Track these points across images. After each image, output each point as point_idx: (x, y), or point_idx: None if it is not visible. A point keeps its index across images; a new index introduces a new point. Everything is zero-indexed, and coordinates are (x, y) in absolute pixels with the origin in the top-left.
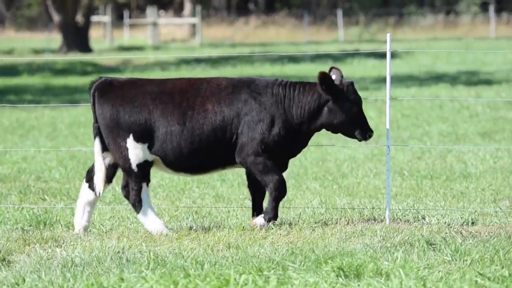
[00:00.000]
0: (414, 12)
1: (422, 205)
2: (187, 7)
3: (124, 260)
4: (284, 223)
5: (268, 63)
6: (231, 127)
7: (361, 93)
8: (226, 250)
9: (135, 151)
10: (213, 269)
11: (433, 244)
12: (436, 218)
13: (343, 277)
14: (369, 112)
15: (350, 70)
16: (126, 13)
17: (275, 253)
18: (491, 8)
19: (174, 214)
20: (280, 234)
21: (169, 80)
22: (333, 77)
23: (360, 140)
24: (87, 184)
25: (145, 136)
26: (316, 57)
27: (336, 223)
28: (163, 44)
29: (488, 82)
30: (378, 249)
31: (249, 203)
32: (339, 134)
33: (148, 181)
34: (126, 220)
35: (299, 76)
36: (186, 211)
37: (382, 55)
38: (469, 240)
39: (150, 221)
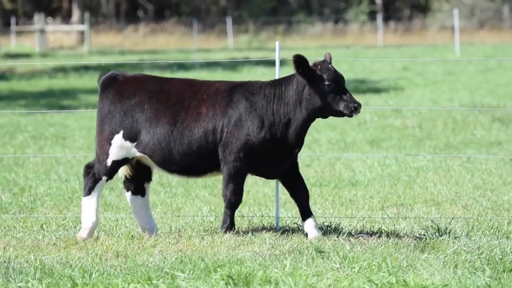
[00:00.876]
0: (303, 20)
1: None
2: (75, 14)
3: (10, 270)
4: (173, 231)
5: (157, 71)
6: (222, 129)
7: None
8: (115, 259)
9: (118, 149)
10: (101, 278)
11: (322, 252)
12: (325, 225)
13: (232, 285)
14: None
15: (240, 78)
16: (13, 20)
17: (164, 262)
18: (379, 17)
19: (62, 223)
20: (169, 242)
21: (173, 80)
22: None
23: (349, 116)
24: (128, 192)
25: (135, 134)
26: (206, 65)
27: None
28: (50, 51)
29: (376, 90)
30: (267, 257)
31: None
32: None
33: (110, 177)
34: (13, 229)
35: None
36: (74, 220)
37: (271, 63)
38: (357, 247)
39: (87, 213)
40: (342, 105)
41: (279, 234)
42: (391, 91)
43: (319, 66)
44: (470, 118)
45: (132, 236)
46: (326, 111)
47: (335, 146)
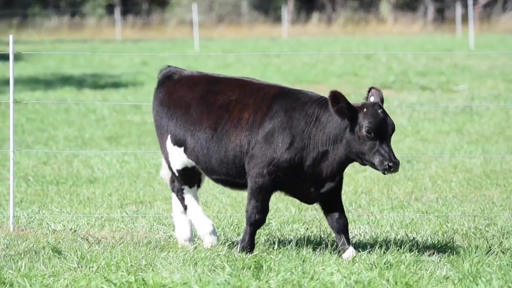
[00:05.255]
0: (38, 13)
1: (48, 211)
2: None
3: None
4: None
5: None
6: (256, 140)
7: None
8: None
9: (174, 155)
10: None
11: (59, 251)
12: (62, 224)
13: None
14: None
15: None
16: None
17: None
18: (117, 11)
19: None
20: None
21: (227, 79)
22: (371, 99)
23: (382, 173)
24: (173, 194)
25: (180, 139)
26: None
27: None
28: None
29: (114, 85)
30: (1, 257)
31: None
32: None
33: (191, 183)
34: None
35: None
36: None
37: (5, 57)
38: (95, 246)
39: (196, 223)
40: (377, 160)
41: (14, 234)
42: (130, 87)
43: (364, 110)
44: None
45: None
46: (362, 159)
47: (72, 143)
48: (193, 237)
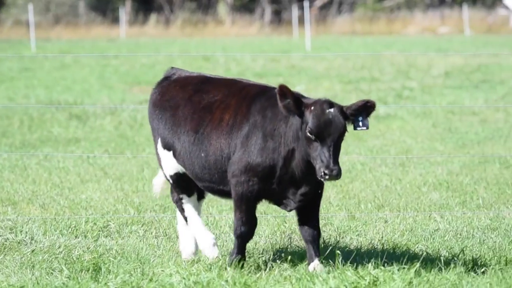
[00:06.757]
0: None
1: None
2: None
3: None
4: None
5: None
6: (235, 144)
7: None
8: None
9: (165, 159)
10: None
11: None
12: None
13: None
14: None
15: None
16: None
17: None
18: None
19: None
20: None
21: (217, 79)
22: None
23: (321, 180)
24: (174, 205)
25: (169, 142)
26: None
27: None
28: None
29: None
30: None
31: None
32: None
33: (189, 191)
34: None
35: None
36: None
37: None
38: None
39: (196, 235)
40: (317, 165)
41: None
42: None
43: (312, 107)
44: (47, 115)
45: None
46: (310, 159)
47: None
48: (197, 250)
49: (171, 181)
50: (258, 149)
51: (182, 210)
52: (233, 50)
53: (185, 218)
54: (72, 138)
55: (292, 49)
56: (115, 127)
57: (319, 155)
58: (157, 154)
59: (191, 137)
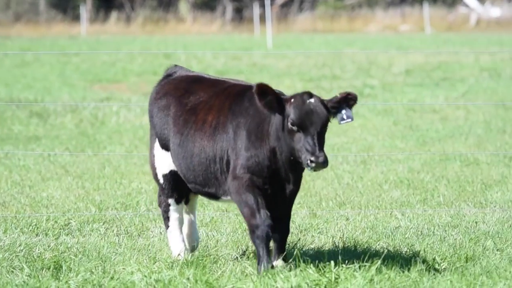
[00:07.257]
0: None
1: None
2: None
3: None
4: None
5: None
6: (221, 146)
7: None
8: None
9: (162, 159)
10: None
11: None
12: None
13: None
14: None
15: None
16: None
17: None
18: None
19: None
20: None
21: (206, 79)
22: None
23: (309, 170)
24: (160, 210)
25: (165, 143)
26: None
27: None
28: None
29: None
30: None
31: None
32: None
33: (178, 196)
34: None
35: None
36: None
37: None
38: None
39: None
40: (302, 155)
41: None
42: None
43: (292, 100)
44: (7, 113)
45: None
46: (295, 156)
47: None
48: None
49: (163, 181)
50: (245, 147)
51: (167, 219)
52: (194, 47)
53: (167, 227)
54: (32, 136)
55: (253, 47)
56: (76, 125)
57: (304, 145)
58: (152, 154)
59: (177, 139)
